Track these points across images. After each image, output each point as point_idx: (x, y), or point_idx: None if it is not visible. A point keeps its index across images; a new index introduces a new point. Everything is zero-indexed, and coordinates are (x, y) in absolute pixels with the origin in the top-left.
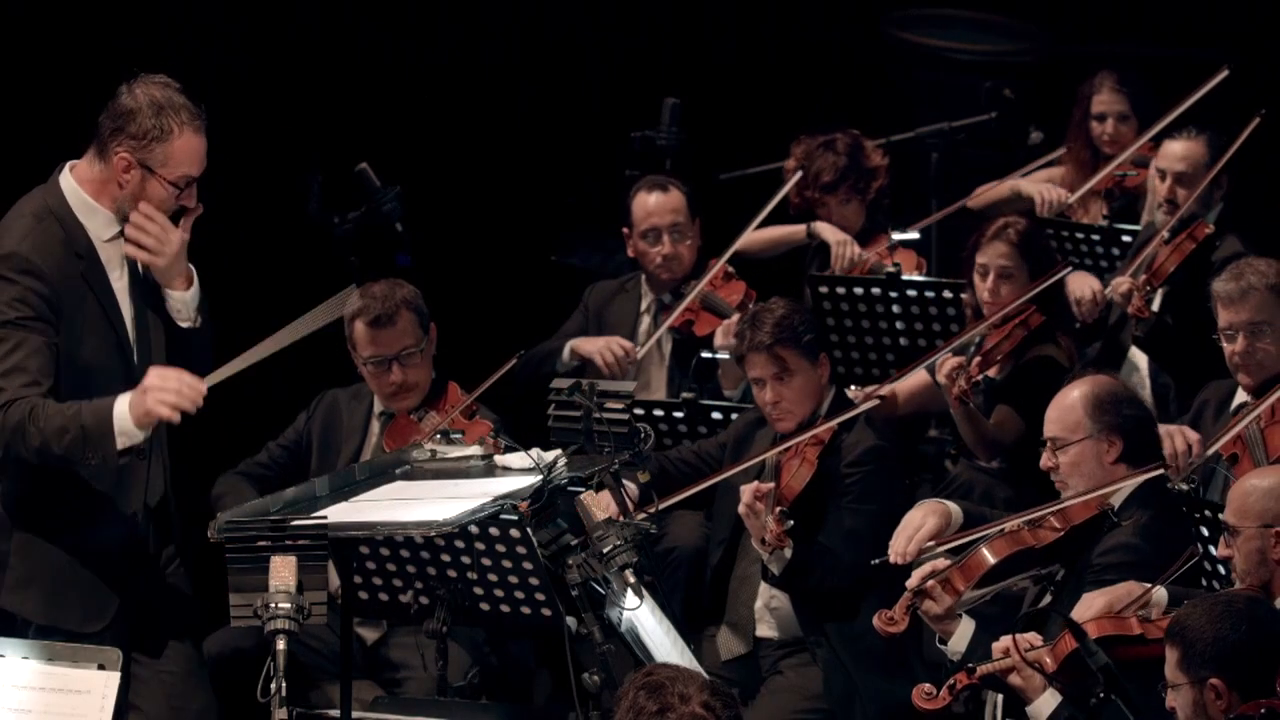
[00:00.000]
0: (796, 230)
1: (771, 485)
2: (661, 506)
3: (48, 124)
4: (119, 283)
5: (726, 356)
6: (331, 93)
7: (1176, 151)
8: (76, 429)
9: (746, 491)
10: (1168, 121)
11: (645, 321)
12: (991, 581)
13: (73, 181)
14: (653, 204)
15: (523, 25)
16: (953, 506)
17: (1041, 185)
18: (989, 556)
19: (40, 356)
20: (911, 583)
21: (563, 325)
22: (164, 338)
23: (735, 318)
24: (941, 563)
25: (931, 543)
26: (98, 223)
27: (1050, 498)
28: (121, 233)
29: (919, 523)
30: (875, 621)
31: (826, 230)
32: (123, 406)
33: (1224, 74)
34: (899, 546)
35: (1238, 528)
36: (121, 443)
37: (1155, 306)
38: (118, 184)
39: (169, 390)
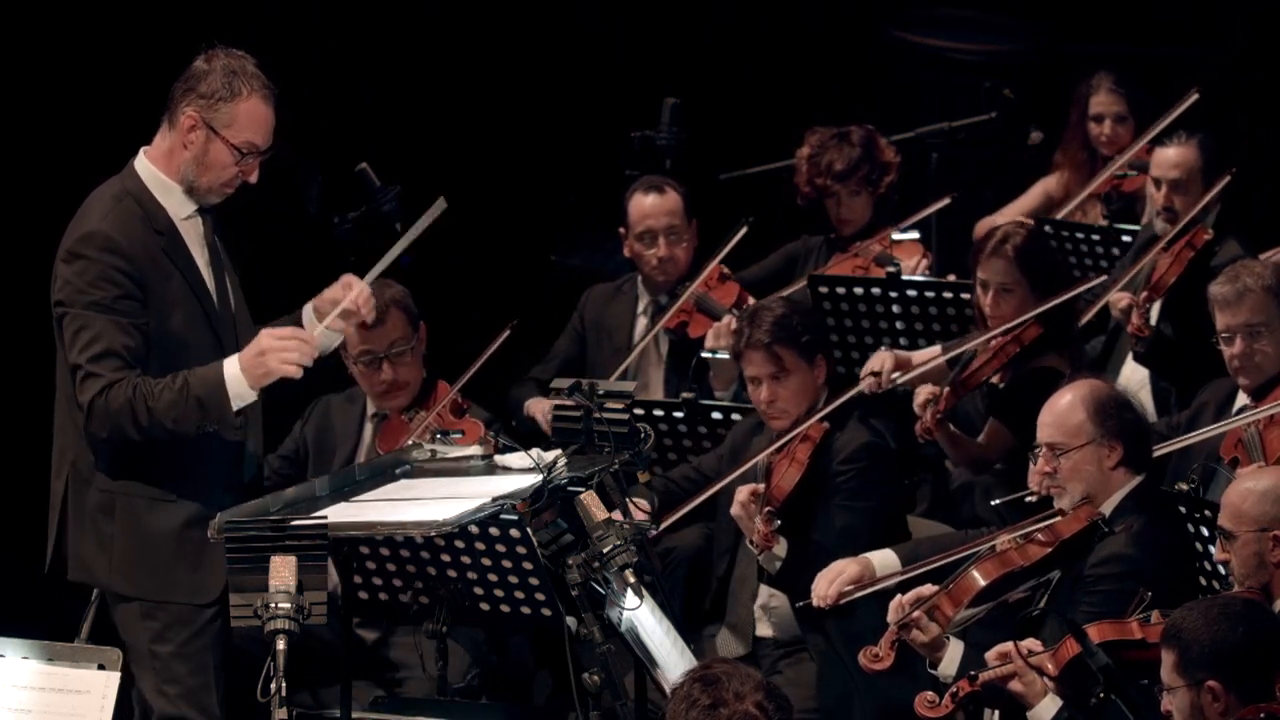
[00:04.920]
0: None
1: (762, 486)
2: (666, 524)
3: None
4: (200, 259)
5: (725, 356)
6: (331, 93)
7: (1170, 158)
8: (189, 401)
9: (742, 492)
10: (1149, 137)
11: (642, 323)
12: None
13: (147, 162)
14: (648, 206)
15: (523, 25)
16: (879, 559)
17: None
18: (979, 579)
19: (128, 337)
20: (892, 617)
21: (556, 341)
22: (246, 313)
23: (727, 319)
24: (928, 589)
25: (851, 587)
26: (175, 201)
27: (1046, 503)
28: (198, 212)
29: (841, 568)
30: (860, 659)
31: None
32: (234, 369)
33: (1194, 98)
34: (820, 590)
35: (1234, 532)
36: (236, 405)
37: (1153, 318)
38: (183, 145)
39: (290, 349)
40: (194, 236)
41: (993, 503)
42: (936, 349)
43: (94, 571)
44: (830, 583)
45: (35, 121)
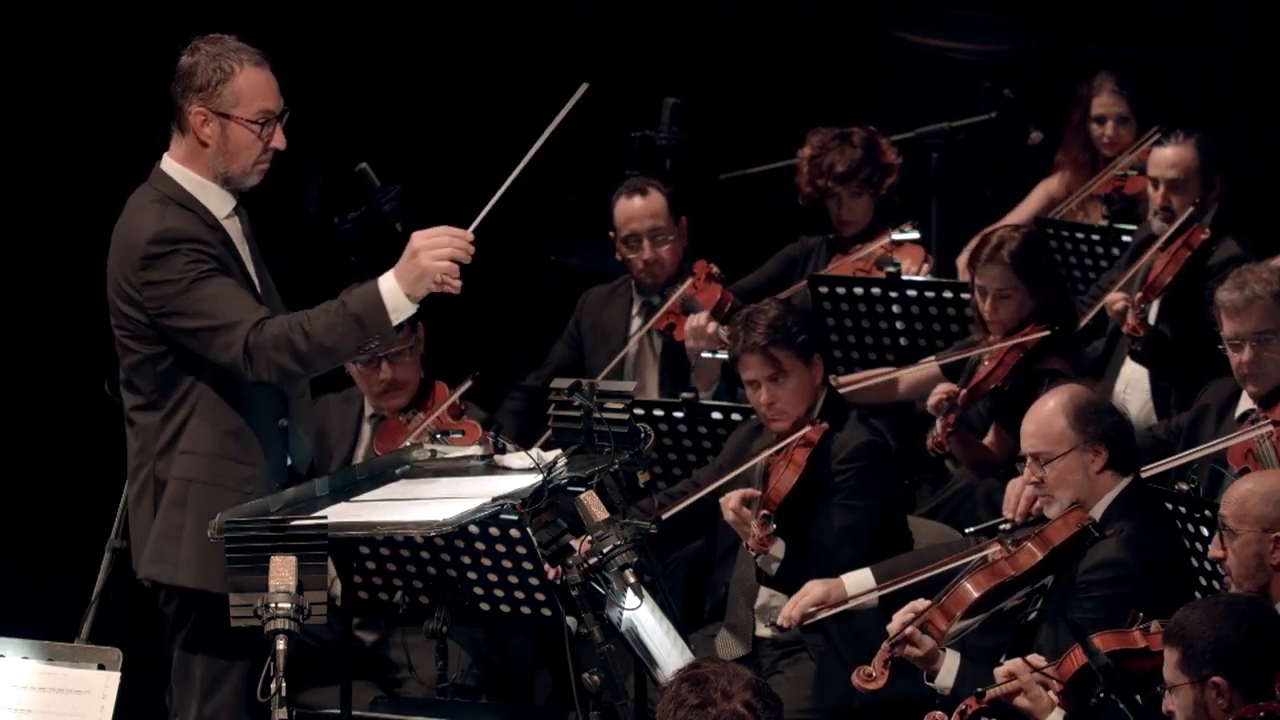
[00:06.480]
0: None
1: (754, 491)
2: (667, 515)
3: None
4: (245, 255)
5: (721, 356)
6: (331, 93)
7: (1167, 158)
8: (347, 320)
9: (731, 499)
10: (1126, 160)
11: (636, 324)
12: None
13: (175, 166)
14: (631, 209)
15: (523, 25)
16: (853, 579)
17: None
18: (971, 591)
19: (244, 287)
20: (892, 628)
21: (552, 348)
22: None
23: (701, 318)
24: (921, 604)
25: (814, 608)
26: (215, 200)
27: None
28: (236, 209)
29: (806, 590)
30: (854, 679)
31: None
32: (390, 282)
33: (1156, 135)
34: (784, 611)
35: (1236, 530)
36: (395, 319)
37: (1151, 318)
38: (202, 143)
39: (441, 246)
40: (237, 234)
41: (966, 531)
42: (931, 359)
43: (163, 565)
44: (794, 605)
45: (36, 124)
